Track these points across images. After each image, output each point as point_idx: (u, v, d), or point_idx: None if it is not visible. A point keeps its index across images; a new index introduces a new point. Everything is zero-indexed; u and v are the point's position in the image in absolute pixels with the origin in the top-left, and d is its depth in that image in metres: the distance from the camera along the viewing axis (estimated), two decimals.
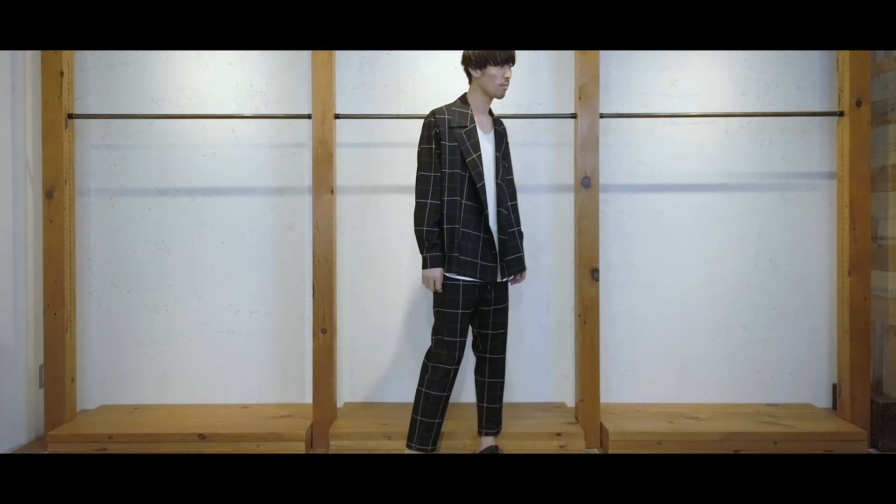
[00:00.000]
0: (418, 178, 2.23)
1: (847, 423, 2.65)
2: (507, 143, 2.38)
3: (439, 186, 2.20)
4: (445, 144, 2.19)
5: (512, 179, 2.37)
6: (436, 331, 2.26)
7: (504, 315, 2.38)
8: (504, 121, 2.92)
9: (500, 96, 2.28)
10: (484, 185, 2.22)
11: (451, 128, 2.21)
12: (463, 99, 2.31)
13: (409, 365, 2.96)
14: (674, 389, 2.96)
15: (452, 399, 2.96)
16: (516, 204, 2.38)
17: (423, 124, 2.25)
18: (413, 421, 2.27)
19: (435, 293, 2.25)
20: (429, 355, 2.27)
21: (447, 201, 2.20)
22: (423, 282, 2.23)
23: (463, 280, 2.21)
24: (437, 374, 2.23)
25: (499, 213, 2.27)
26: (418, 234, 2.20)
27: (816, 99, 2.91)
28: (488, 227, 2.23)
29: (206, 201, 2.94)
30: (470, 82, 2.30)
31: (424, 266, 2.20)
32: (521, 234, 2.37)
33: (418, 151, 2.25)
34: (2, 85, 2.54)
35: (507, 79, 2.24)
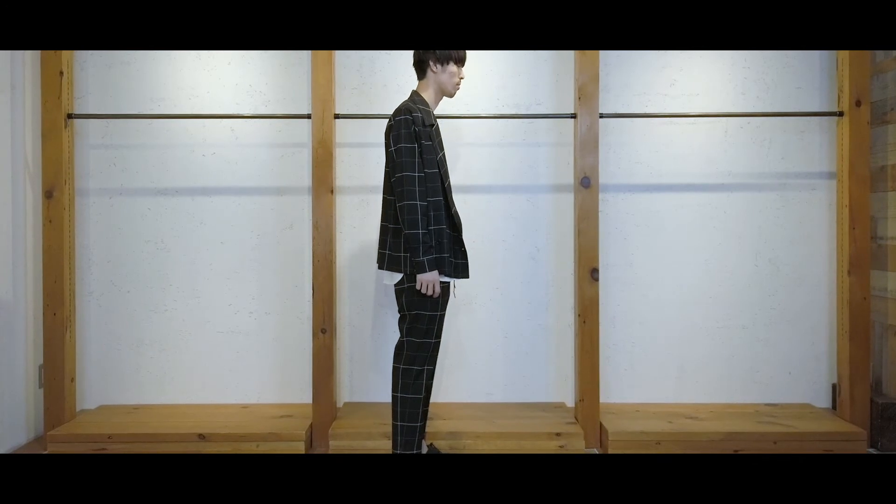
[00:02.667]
0: (404, 178, 2.09)
1: (846, 423, 2.65)
2: None
3: (424, 187, 2.12)
4: (424, 143, 2.13)
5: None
6: (410, 332, 2.20)
7: None
8: (504, 121, 2.93)
9: (453, 95, 2.31)
10: (449, 184, 2.23)
11: (423, 126, 2.14)
12: (418, 95, 2.25)
13: None
14: (673, 389, 2.96)
15: (447, 399, 2.97)
16: None
17: (400, 122, 2.12)
18: (395, 428, 2.20)
19: (415, 295, 2.17)
20: (404, 359, 2.20)
21: (432, 202, 2.13)
22: (422, 287, 2.11)
23: (446, 280, 2.20)
24: (410, 376, 2.19)
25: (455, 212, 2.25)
26: (414, 237, 2.08)
27: (816, 99, 2.91)
28: (454, 224, 2.21)
29: (206, 201, 2.94)
30: (422, 77, 2.27)
31: (422, 270, 2.09)
32: None
33: (397, 150, 2.11)
34: (1, 85, 2.54)
35: (461, 79, 2.29)
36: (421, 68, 2.26)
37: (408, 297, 2.19)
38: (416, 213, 2.08)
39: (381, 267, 2.24)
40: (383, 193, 2.25)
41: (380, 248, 2.25)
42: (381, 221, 2.26)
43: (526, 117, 2.78)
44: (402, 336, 2.24)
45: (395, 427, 2.21)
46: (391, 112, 2.86)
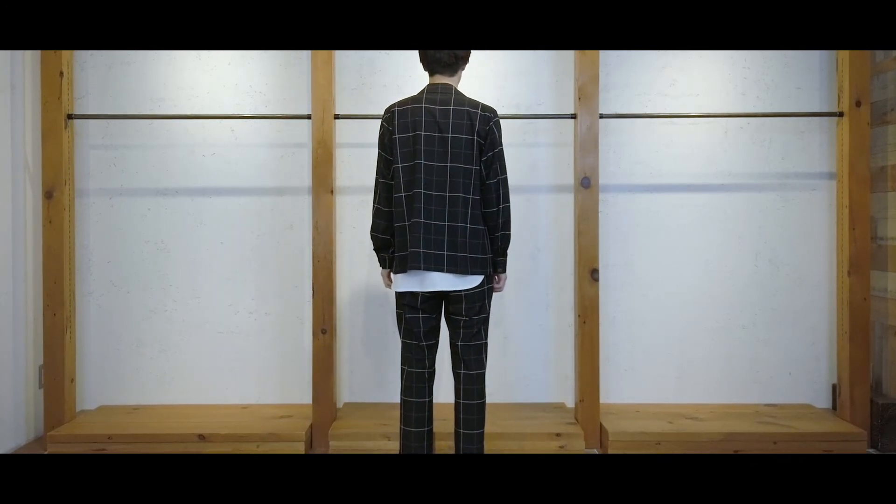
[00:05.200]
0: (507, 180, 2.11)
1: (846, 424, 2.65)
2: None
3: None
4: None
5: None
6: (486, 334, 2.17)
7: None
8: (504, 121, 2.93)
9: None
10: None
11: None
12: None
13: None
14: (673, 389, 2.96)
15: (447, 399, 2.97)
16: None
17: (500, 122, 2.09)
18: (482, 435, 2.17)
19: (491, 294, 2.16)
20: (485, 361, 2.17)
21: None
22: (503, 284, 2.21)
23: None
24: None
25: None
26: (510, 238, 2.13)
27: (816, 99, 2.91)
28: None
29: (206, 201, 2.94)
30: (452, 75, 2.14)
31: (505, 269, 2.17)
32: None
33: (500, 152, 2.08)
34: (2, 85, 2.54)
35: None
36: (456, 67, 2.13)
37: (488, 297, 2.14)
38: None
39: (461, 271, 2.01)
40: (448, 191, 2.01)
41: (448, 251, 2.00)
42: (448, 222, 2.01)
43: (526, 118, 2.78)
44: (473, 341, 2.12)
45: (482, 434, 2.12)
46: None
